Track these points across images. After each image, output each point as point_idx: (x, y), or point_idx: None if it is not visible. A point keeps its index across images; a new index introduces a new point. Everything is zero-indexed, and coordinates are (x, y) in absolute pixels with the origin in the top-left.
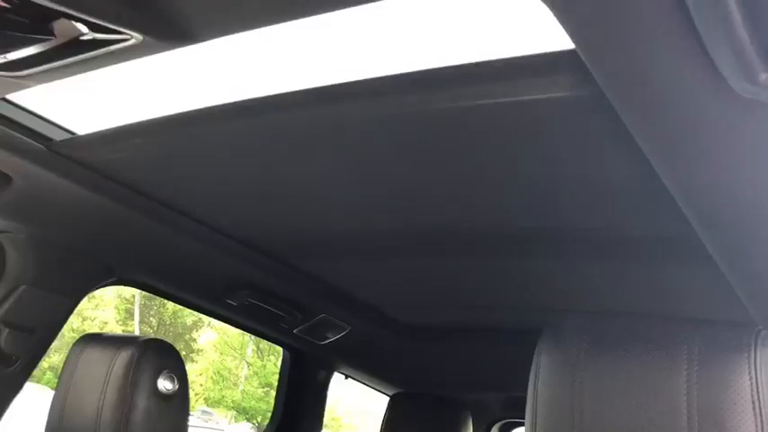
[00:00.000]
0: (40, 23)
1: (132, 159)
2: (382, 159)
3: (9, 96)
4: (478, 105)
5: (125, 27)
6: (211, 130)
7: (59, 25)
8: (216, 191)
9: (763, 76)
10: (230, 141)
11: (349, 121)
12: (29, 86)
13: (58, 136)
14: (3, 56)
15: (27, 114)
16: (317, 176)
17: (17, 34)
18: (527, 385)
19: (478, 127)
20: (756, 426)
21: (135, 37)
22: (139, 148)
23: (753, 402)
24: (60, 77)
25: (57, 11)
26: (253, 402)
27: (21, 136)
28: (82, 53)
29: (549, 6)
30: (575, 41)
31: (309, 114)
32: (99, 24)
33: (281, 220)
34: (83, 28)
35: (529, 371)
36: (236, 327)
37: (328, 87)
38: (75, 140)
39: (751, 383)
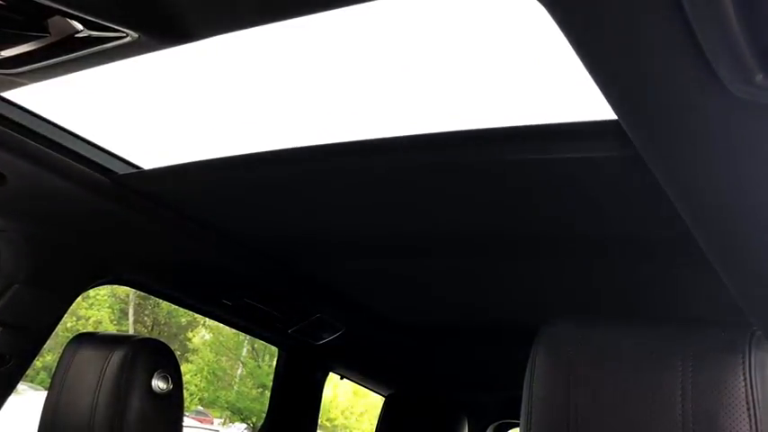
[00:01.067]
0: (34, 21)
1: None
2: (416, 197)
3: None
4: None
5: (120, 25)
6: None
7: (54, 23)
8: (226, 200)
9: (759, 78)
10: (261, 172)
11: (397, 170)
12: (23, 84)
13: (49, 132)
14: None
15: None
16: (339, 202)
17: (11, 31)
18: (522, 386)
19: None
20: (750, 427)
21: (130, 35)
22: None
23: (747, 403)
24: (55, 76)
25: (52, 8)
26: (247, 403)
27: (15, 134)
28: (77, 51)
29: (546, 7)
30: (571, 42)
31: (362, 164)
32: (94, 22)
33: (281, 223)
34: (78, 25)
35: (524, 372)
36: (232, 326)
37: (396, 139)
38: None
39: (745, 385)
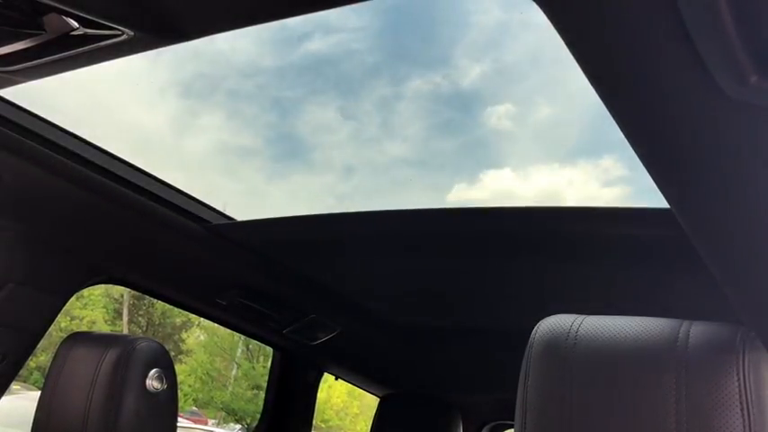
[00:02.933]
0: (30, 18)
1: None
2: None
3: None
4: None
5: (116, 23)
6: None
7: (50, 20)
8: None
9: (753, 78)
10: None
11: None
12: (19, 82)
13: (47, 133)
14: None
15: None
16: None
17: (7, 29)
18: (517, 387)
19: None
20: (744, 427)
21: (126, 33)
22: None
23: (741, 403)
24: (51, 74)
25: (48, 5)
26: (242, 404)
27: (12, 133)
28: (73, 49)
29: (541, 7)
30: (565, 41)
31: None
32: (90, 20)
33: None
34: (73, 23)
35: (519, 372)
36: (226, 327)
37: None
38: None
39: (739, 385)
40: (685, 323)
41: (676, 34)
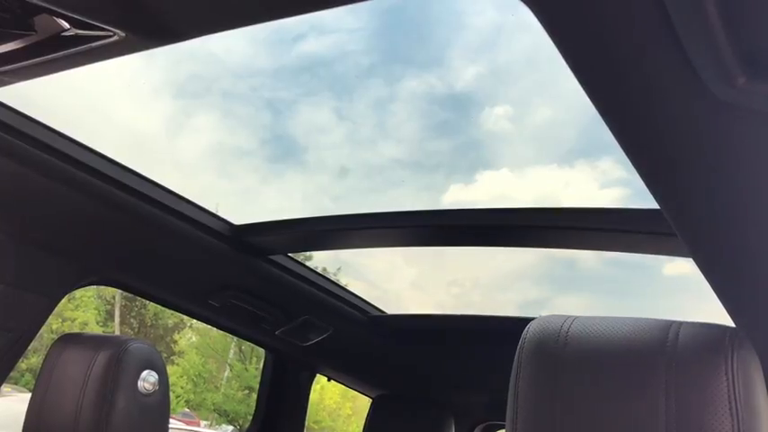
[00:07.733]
0: (21, 19)
1: None
2: None
3: None
4: None
5: (107, 24)
6: None
7: (41, 21)
8: None
9: (741, 80)
10: None
11: None
12: (9, 83)
13: (38, 134)
14: None
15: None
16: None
17: None
18: (508, 387)
19: None
20: (733, 426)
21: (117, 34)
22: None
23: (729, 403)
24: (42, 74)
25: (38, 6)
26: (234, 405)
27: (2, 134)
28: (63, 50)
29: (528, 6)
30: (555, 42)
31: None
32: (81, 21)
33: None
34: (65, 24)
35: (510, 372)
36: (219, 328)
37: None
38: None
39: (728, 385)
40: (675, 323)
41: (665, 36)
